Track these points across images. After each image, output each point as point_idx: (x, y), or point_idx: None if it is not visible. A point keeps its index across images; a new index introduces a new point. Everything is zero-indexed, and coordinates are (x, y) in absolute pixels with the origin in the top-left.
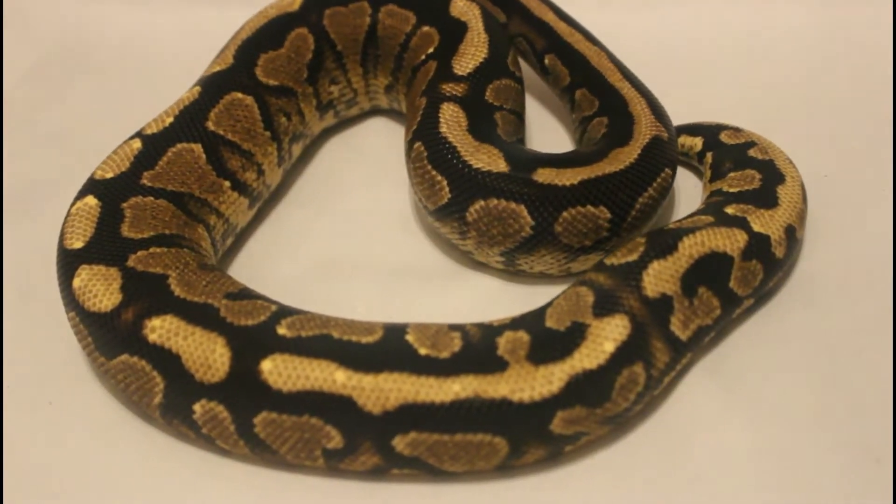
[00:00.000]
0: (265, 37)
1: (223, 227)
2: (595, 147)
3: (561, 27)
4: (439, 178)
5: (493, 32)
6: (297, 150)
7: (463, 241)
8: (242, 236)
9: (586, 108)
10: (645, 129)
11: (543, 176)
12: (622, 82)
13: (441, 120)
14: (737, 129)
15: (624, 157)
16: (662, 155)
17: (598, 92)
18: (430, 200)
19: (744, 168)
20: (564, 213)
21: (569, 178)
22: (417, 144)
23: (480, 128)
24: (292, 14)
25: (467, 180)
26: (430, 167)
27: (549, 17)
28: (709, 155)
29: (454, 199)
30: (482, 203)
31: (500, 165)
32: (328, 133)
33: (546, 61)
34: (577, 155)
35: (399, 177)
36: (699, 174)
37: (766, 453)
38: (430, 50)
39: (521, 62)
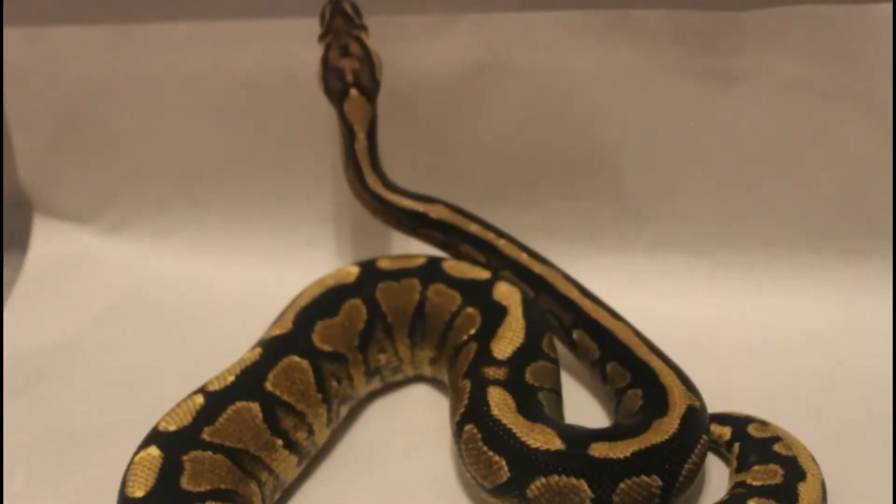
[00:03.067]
0: (322, 305)
1: (273, 484)
2: (636, 419)
3: (586, 304)
4: (497, 458)
5: (530, 317)
6: (344, 411)
7: None
8: (288, 493)
9: (619, 380)
10: (679, 399)
11: (598, 450)
12: (650, 355)
13: (491, 403)
14: (763, 423)
15: (666, 428)
16: (699, 423)
17: (629, 365)
18: (486, 480)
19: (768, 462)
20: (621, 485)
21: (622, 450)
22: (469, 427)
23: (529, 408)
24: (348, 285)
25: (526, 460)
26: (485, 448)
27: (575, 295)
28: (736, 445)
29: (514, 477)
30: (543, 480)
31: (556, 443)
32: (373, 396)
33: (574, 336)
34: (622, 428)
35: (440, 444)
36: (726, 461)
37: None
38: (472, 331)
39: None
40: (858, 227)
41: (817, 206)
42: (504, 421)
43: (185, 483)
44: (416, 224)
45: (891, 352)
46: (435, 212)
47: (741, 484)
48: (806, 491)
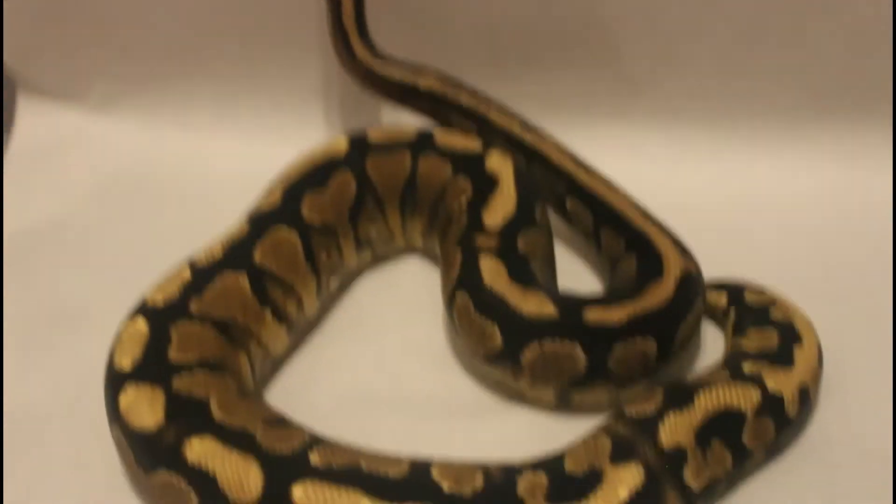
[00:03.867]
0: (312, 178)
1: (262, 355)
2: (631, 284)
3: (579, 173)
4: (489, 325)
5: (522, 187)
6: (334, 283)
7: (516, 382)
8: (279, 364)
9: (613, 247)
10: (674, 264)
11: (592, 315)
12: (643, 220)
13: (483, 272)
14: (759, 289)
15: (661, 292)
16: (694, 287)
17: (623, 231)
18: (480, 347)
19: (764, 327)
20: (616, 348)
21: (616, 315)
22: (461, 295)
23: (521, 276)
24: (338, 158)
25: (520, 326)
26: (478, 316)
27: (568, 164)
28: (732, 311)
29: (507, 344)
30: (537, 346)
31: (550, 309)
32: (364, 269)
33: (567, 204)
34: (617, 293)
35: (432, 314)
36: (722, 327)
37: None
38: (464, 202)
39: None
40: (859, 94)
41: (817, 73)
42: (496, 289)
43: (173, 353)
44: (405, 94)
45: (890, 217)
46: (425, 82)
47: (737, 348)
48: (801, 354)
